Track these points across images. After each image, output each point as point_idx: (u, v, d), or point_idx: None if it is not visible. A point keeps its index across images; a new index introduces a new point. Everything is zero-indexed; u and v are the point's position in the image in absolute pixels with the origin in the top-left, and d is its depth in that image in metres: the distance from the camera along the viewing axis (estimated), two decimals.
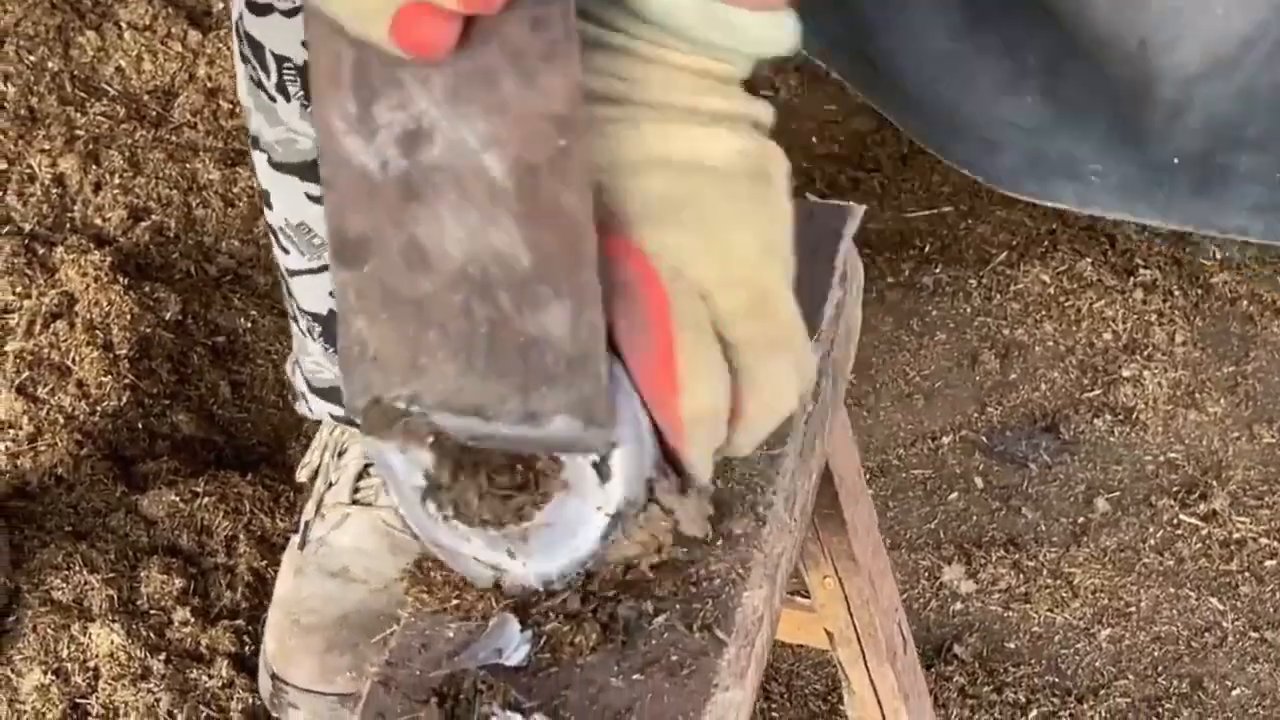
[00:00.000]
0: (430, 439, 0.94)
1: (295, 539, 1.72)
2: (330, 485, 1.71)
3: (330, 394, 1.63)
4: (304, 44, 0.89)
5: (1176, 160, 1.56)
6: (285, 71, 1.39)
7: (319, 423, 1.85)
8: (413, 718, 0.92)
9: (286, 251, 1.54)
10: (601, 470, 0.94)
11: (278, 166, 1.48)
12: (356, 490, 1.69)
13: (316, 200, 1.47)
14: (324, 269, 1.52)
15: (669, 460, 0.95)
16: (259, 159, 1.48)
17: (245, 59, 1.42)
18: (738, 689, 0.92)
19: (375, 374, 0.93)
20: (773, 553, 1.01)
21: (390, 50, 0.84)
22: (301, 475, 1.74)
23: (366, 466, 1.70)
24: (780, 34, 0.92)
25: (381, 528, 1.68)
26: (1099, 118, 1.58)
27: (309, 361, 1.62)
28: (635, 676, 0.92)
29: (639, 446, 0.94)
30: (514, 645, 0.96)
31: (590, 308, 0.90)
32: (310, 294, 1.56)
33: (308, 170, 1.45)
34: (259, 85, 1.42)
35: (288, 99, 1.41)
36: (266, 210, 1.53)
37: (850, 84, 1.81)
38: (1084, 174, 1.62)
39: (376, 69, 0.88)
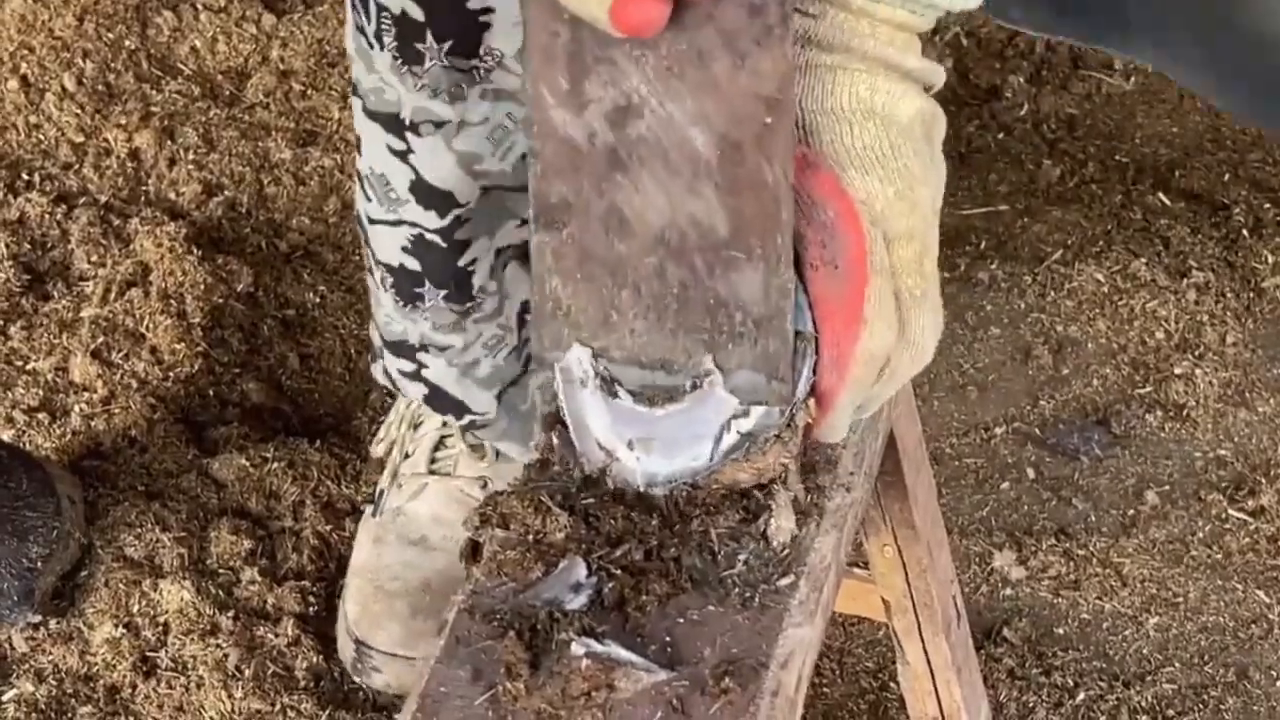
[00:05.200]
0: None
1: (369, 510, 1.75)
2: (406, 456, 1.74)
3: (398, 348, 1.64)
4: (520, 23, 0.94)
5: None
6: (383, 20, 1.42)
7: (389, 395, 1.89)
8: (494, 647, 0.95)
9: (369, 199, 1.56)
10: None
11: (369, 114, 1.50)
12: (434, 460, 1.72)
13: (397, 154, 1.50)
14: (400, 223, 1.54)
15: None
16: (356, 105, 1.51)
17: (354, 5, 1.45)
18: (808, 627, 0.96)
19: (567, 329, 0.99)
20: (841, 504, 1.04)
21: (608, 30, 0.89)
22: (378, 450, 1.77)
23: (443, 438, 1.73)
24: None
25: (460, 497, 1.71)
26: None
27: (381, 314, 1.63)
28: (710, 608, 0.96)
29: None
30: (579, 588, 0.99)
31: (783, 271, 0.95)
32: (385, 244, 1.57)
33: (391, 122, 1.48)
34: (361, 31, 1.45)
35: (381, 48, 1.44)
36: (357, 156, 1.55)
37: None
38: None
39: (590, 47, 0.92)
